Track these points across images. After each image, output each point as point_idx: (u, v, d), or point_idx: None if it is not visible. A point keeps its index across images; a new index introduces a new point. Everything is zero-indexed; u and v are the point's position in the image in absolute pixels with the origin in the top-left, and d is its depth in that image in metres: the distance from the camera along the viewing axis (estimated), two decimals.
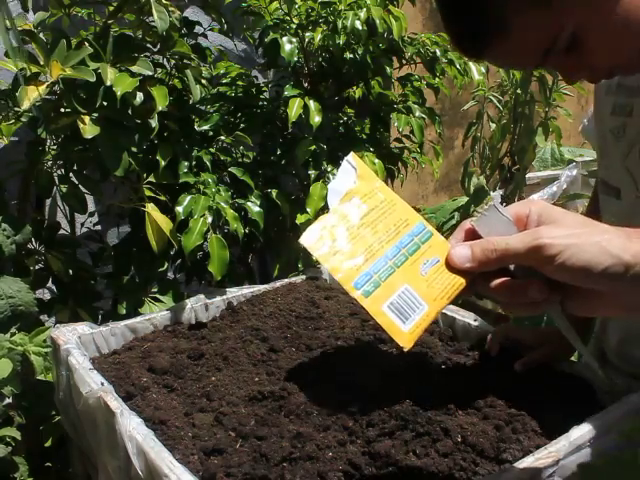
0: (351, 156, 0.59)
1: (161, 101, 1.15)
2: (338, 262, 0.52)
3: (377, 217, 0.56)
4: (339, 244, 0.53)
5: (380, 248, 0.54)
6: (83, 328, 1.02)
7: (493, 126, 1.87)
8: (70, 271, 1.32)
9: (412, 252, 0.56)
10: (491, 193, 1.75)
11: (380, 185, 0.59)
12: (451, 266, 0.55)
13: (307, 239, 0.53)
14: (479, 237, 0.56)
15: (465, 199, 1.88)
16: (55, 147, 1.28)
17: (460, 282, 0.55)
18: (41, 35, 1.15)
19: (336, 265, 0.52)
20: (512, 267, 0.55)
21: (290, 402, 0.82)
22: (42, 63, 1.08)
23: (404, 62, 1.61)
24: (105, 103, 1.12)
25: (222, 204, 1.23)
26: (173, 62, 1.35)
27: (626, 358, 0.94)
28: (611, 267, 0.49)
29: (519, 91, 1.79)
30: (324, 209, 1.35)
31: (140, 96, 1.14)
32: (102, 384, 0.85)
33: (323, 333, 1.02)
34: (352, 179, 0.57)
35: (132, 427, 0.73)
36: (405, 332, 0.52)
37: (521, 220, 0.56)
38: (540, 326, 1.48)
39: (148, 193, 1.22)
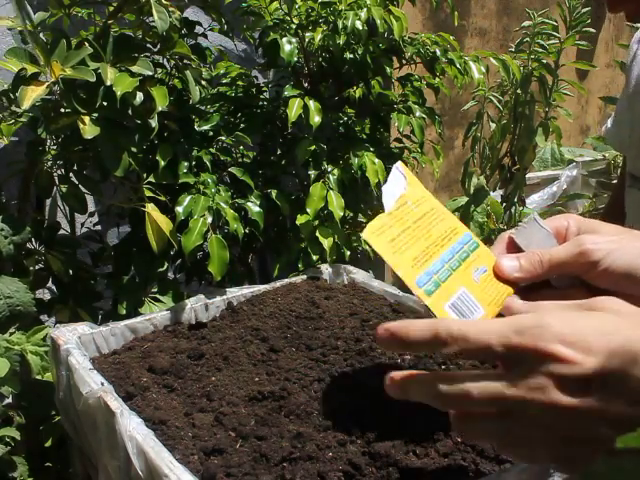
0: (400, 164, 0.60)
1: (161, 101, 1.15)
2: (398, 259, 0.53)
3: (430, 222, 0.58)
4: (398, 243, 0.54)
5: (436, 251, 0.55)
6: (83, 328, 1.02)
7: (493, 126, 1.87)
8: (70, 271, 1.32)
9: (463, 259, 0.57)
10: (491, 193, 1.75)
11: (427, 194, 0.60)
12: (499, 276, 0.57)
13: (367, 235, 0.53)
14: (519, 249, 0.58)
15: (465, 199, 1.87)
16: (55, 147, 1.28)
17: (509, 291, 0.57)
18: (41, 35, 1.15)
19: (396, 261, 0.52)
20: (553, 279, 0.57)
21: (290, 402, 0.82)
22: (42, 63, 1.08)
23: (404, 62, 1.61)
24: (105, 103, 1.12)
25: (222, 204, 1.23)
26: (173, 62, 1.35)
27: None
28: None
29: (519, 91, 1.79)
30: (324, 209, 1.35)
31: (140, 96, 1.14)
32: (102, 384, 0.85)
33: (323, 333, 1.02)
34: (403, 185, 0.58)
35: (132, 427, 0.73)
36: None
37: (560, 233, 0.57)
38: None
39: (148, 193, 1.22)
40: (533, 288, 0.57)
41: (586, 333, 0.40)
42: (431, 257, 0.55)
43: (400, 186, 0.58)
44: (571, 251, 0.53)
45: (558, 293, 0.55)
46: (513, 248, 0.59)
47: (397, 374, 0.45)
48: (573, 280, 0.55)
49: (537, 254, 0.55)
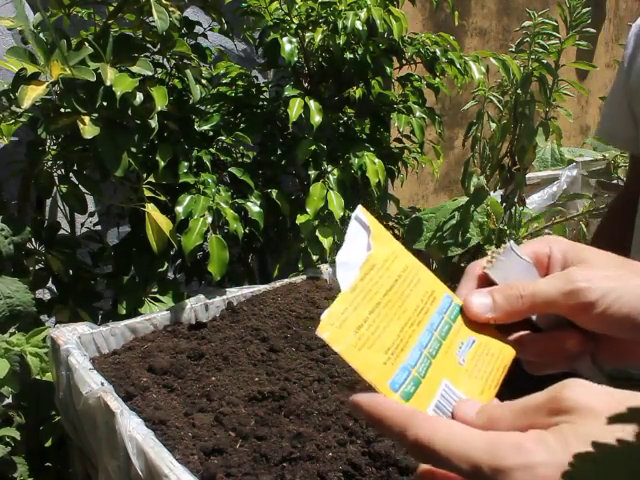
0: (360, 211, 0.44)
1: (161, 101, 1.15)
2: (366, 357, 0.40)
3: (403, 291, 0.44)
4: (365, 332, 0.41)
5: (412, 333, 0.43)
6: (83, 328, 1.02)
7: (493, 126, 1.87)
8: (70, 271, 1.32)
9: (445, 335, 0.45)
10: (491, 193, 1.75)
11: (398, 247, 0.46)
12: (469, 318, 0.46)
13: (325, 329, 0.40)
14: (494, 285, 0.48)
15: (465, 199, 1.87)
16: (55, 147, 1.28)
17: (504, 363, 0.46)
18: (41, 35, 1.15)
19: (365, 362, 0.40)
20: (535, 316, 0.47)
21: (290, 402, 0.82)
22: (42, 63, 1.08)
23: (404, 62, 1.61)
24: (105, 103, 1.12)
25: (222, 204, 1.23)
26: (173, 62, 1.35)
27: None
28: None
29: (519, 91, 1.79)
30: (324, 209, 1.35)
31: (140, 96, 1.14)
32: (102, 384, 0.85)
33: None
34: (365, 243, 0.44)
35: (132, 427, 0.73)
36: None
37: (541, 262, 0.48)
38: None
39: (148, 193, 1.22)
40: (511, 329, 0.47)
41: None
42: (407, 343, 0.42)
43: (363, 244, 0.44)
44: (559, 288, 0.44)
45: (541, 337, 0.47)
46: (486, 286, 0.48)
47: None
48: (560, 318, 0.46)
49: (516, 287, 0.45)
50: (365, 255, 0.44)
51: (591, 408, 0.34)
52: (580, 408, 0.34)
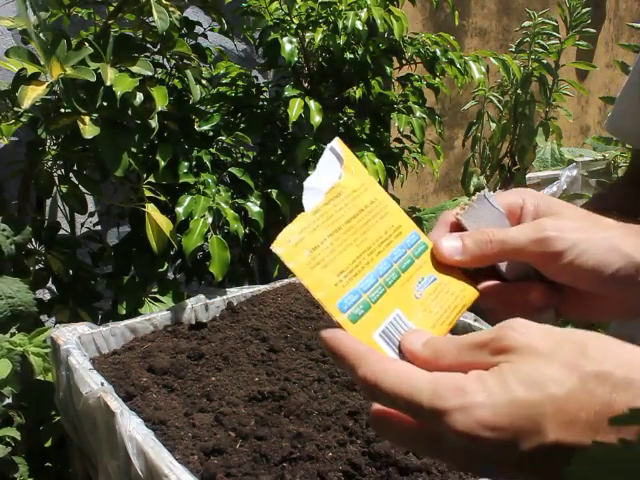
0: (336, 142, 0.45)
1: (161, 101, 1.15)
2: (319, 276, 0.40)
3: (367, 221, 0.45)
4: (321, 253, 0.41)
5: (370, 260, 0.43)
6: (83, 328, 1.02)
7: (493, 126, 1.87)
8: (70, 271, 1.32)
9: (405, 268, 0.45)
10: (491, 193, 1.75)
11: (369, 180, 0.47)
12: (438, 260, 0.47)
13: (281, 247, 0.40)
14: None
15: (465, 199, 1.88)
16: (55, 147, 1.28)
17: (465, 302, 0.46)
18: (41, 35, 1.15)
19: (316, 280, 0.40)
20: (503, 267, 0.48)
21: (290, 402, 0.82)
22: (42, 63, 1.08)
23: (404, 62, 1.61)
24: (105, 103, 1.12)
25: (222, 204, 1.23)
26: (173, 62, 1.35)
27: None
28: (621, 268, 0.43)
29: (519, 91, 1.79)
30: None
31: (140, 96, 1.14)
32: (102, 384, 0.85)
33: None
34: (337, 172, 0.45)
35: (132, 427, 0.73)
36: None
37: (514, 213, 0.48)
38: None
39: (148, 193, 1.22)
40: (478, 278, 0.47)
41: (509, 413, 0.33)
42: (362, 269, 0.43)
43: (334, 172, 0.45)
44: (529, 236, 0.44)
45: (507, 286, 0.47)
46: (458, 232, 0.48)
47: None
48: (527, 269, 0.47)
49: (486, 233, 0.45)
50: (334, 181, 0.45)
51: (531, 347, 0.34)
52: (520, 347, 0.35)
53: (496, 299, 0.48)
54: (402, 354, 0.41)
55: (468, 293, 0.47)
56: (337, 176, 0.45)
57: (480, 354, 0.36)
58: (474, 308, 0.50)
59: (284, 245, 0.40)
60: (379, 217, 0.46)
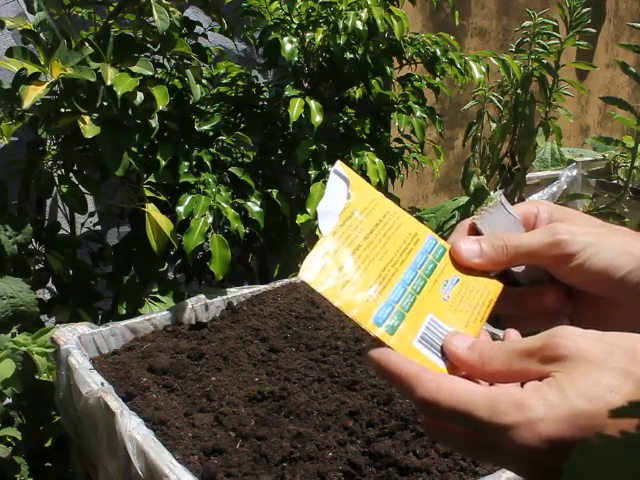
0: (339, 165, 0.47)
1: (161, 101, 1.15)
2: (350, 295, 0.41)
3: (384, 234, 0.46)
4: (347, 272, 0.42)
5: (395, 271, 0.44)
6: (83, 328, 1.02)
7: (493, 126, 1.87)
8: (70, 271, 1.32)
9: (429, 273, 0.46)
10: (492, 193, 1.74)
11: (378, 195, 0.49)
12: (456, 262, 0.48)
13: (308, 273, 0.41)
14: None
15: (465, 199, 1.88)
16: (55, 147, 1.28)
17: (491, 297, 0.47)
18: (41, 35, 1.15)
19: (347, 300, 0.41)
20: (517, 271, 0.49)
21: (290, 402, 0.82)
22: (42, 63, 1.08)
23: (404, 62, 1.61)
24: (105, 103, 1.12)
25: (223, 204, 1.23)
26: (173, 62, 1.35)
27: None
28: (633, 271, 0.44)
29: (519, 91, 1.79)
30: None
31: (140, 96, 1.14)
32: (102, 384, 0.85)
33: (323, 333, 1.02)
34: (345, 193, 0.46)
35: (132, 427, 0.73)
36: (444, 370, 0.43)
37: (528, 221, 0.50)
38: None
39: (148, 193, 1.22)
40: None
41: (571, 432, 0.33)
42: (390, 281, 0.44)
43: (342, 194, 0.46)
44: (542, 239, 0.45)
45: (522, 291, 0.48)
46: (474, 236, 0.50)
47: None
48: (541, 275, 0.48)
49: (502, 238, 0.47)
50: (345, 202, 0.46)
51: (582, 355, 0.35)
52: (572, 356, 0.35)
53: (511, 304, 0.48)
54: (445, 357, 0.42)
55: (493, 287, 0.48)
56: (346, 197, 0.46)
57: (530, 362, 0.36)
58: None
59: (310, 271, 0.41)
60: (395, 228, 0.47)
